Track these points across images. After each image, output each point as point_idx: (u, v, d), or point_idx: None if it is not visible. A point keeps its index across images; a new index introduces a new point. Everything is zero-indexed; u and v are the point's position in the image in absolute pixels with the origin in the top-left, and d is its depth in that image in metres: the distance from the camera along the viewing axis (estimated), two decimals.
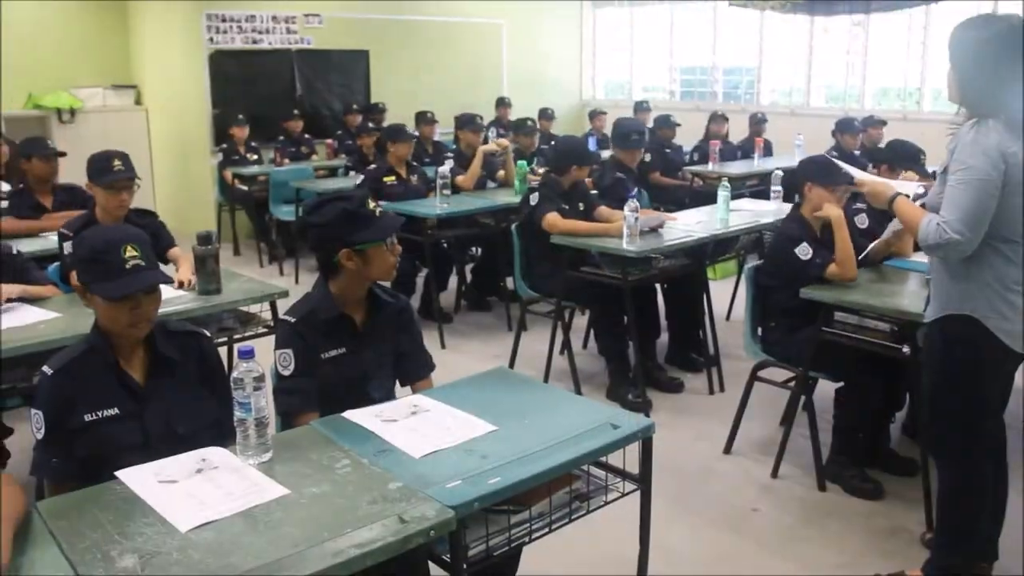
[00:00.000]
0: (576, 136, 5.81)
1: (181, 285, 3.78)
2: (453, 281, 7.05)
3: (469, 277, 7.20)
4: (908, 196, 3.16)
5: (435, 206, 6.01)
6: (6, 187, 5.55)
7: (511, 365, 5.29)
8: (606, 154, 9.19)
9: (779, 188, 5.88)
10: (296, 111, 9.57)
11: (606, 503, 2.35)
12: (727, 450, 4.33)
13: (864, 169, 4.33)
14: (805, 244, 3.89)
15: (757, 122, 9.35)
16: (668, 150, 8.83)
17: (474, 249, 7.37)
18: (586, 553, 3.34)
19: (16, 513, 1.84)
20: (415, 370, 2.85)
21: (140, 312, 2.27)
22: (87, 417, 2.24)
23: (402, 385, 2.85)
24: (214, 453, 2.16)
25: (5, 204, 5.11)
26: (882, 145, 8.04)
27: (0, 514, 1.79)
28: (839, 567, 3.34)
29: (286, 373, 2.57)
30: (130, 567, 1.68)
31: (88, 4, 9.84)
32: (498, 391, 2.64)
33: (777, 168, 6.39)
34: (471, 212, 6.25)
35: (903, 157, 4.72)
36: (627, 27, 12.79)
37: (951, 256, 2.78)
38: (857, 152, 7.74)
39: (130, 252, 2.26)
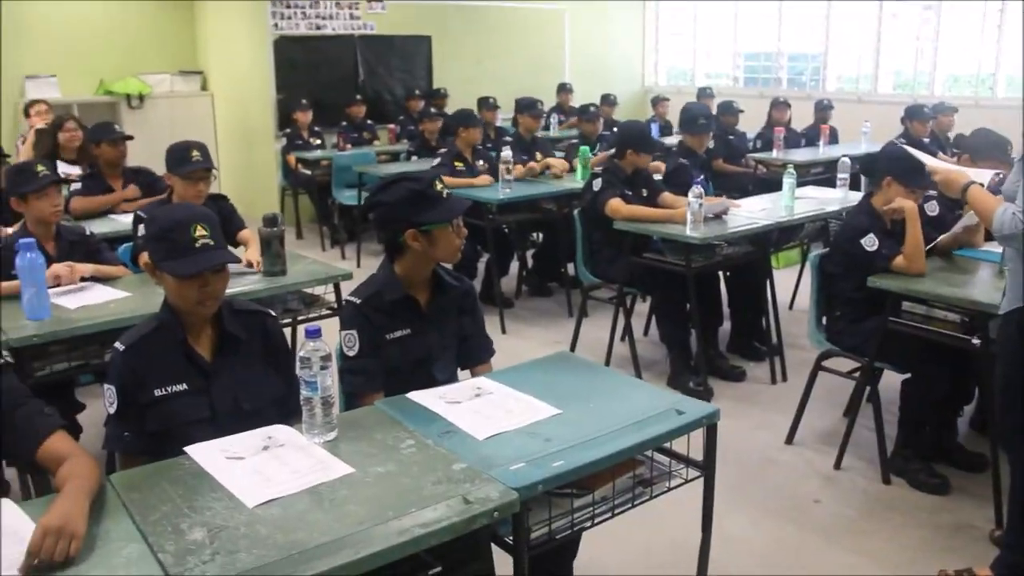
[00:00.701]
0: (638, 121, 5.73)
1: (250, 265, 3.84)
2: (514, 267, 7.06)
3: (530, 263, 7.20)
4: (982, 185, 3.08)
5: (497, 191, 6.00)
6: (78, 171, 5.66)
7: (571, 351, 5.28)
8: (670, 141, 9.14)
9: (846, 176, 5.77)
10: (359, 96, 9.64)
11: (669, 489, 2.33)
12: (789, 440, 4.27)
13: (934, 156, 4.23)
14: (872, 235, 3.81)
15: (822, 108, 9.18)
16: (731, 137, 8.71)
17: (535, 235, 7.36)
18: (645, 539, 3.33)
19: (92, 485, 1.88)
20: (476, 353, 2.86)
21: (208, 290, 2.30)
22: (157, 392, 2.28)
23: (462, 368, 2.86)
24: (280, 431, 2.19)
25: (78, 186, 5.23)
26: (951, 133, 7.88)
27: (79, 485, 1.84)
28: (902, 562, 3.28)
29: (351, 354, 2.59)
30: (199, 540, 1.70)
31: None
32: (561, 375, 2.63)
33: (843, 155, 6.28)
34: (533, 197, 6.23)
35: (988, 147, 4.51)
36: (690, 12, 12.66)
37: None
38: (926, 140, 7.57)
39: (199, 231, 2.29)
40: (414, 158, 8.22)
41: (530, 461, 2.01)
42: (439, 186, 2.63)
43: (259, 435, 2.16)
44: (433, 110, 9.01)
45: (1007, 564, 2.96)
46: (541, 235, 7.24)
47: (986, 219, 2.86)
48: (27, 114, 7.35)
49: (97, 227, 4.44)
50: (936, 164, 3.51)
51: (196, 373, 2.34)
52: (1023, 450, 2.93)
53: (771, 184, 5.93)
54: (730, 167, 8.45)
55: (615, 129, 7.49)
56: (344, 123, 9.26)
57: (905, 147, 4.23)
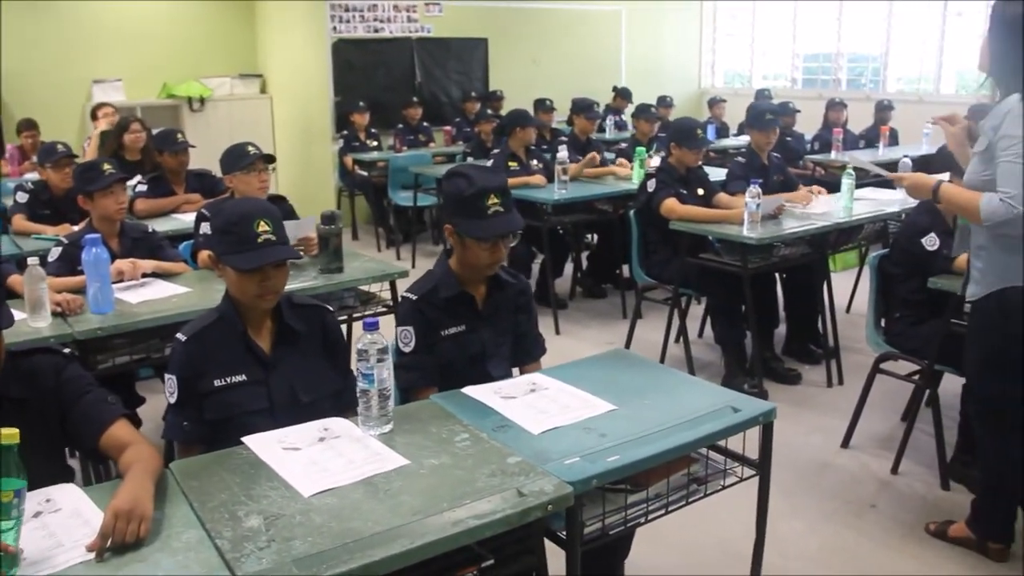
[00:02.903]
0: (686, 118, 5.70)
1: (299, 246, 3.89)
2: (568, 268, 7.06)
3: (585, 264, 7.20)
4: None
5: (553, 191, 6.00)
6: (138, 180, 5.77)
7: (627, 347, 5.27)
8: (727, 143, 9.07)
9: None
10: (415, 98, 9.71)
11: (723, 487, 2.31)
12: (845, 444, 4.21)
13: None
14: (933, 235, 3.74)
15: (882, 109, 9.03)
16: (789, 138, 8.61)
17: (590, 236, 7.35)
18: (698, 538, 3.31)
19: (156, 469, 1.93)
20: (528, 351, 2.86)
21: (268, 284, 2.34)
22: (216, 382, 2.32)
23: (512, 366, 2.86)
24: (336, 423, 2.22)
25: (143, 188, 5.34)
26: None
27: (144, 469, 1.89)
28: (960, 570, 3.22)
29: (407, 350, 2.61)
30: (255, 527, 1.73)
31: None
32: (617, 371, 2.62)
33: (904, 156, 6.18)
34: (588, 198, 6.22)
35: None
36: (748, 12, 12.55)
37: (1019, 230, 2.72)
38: None
39: (262, 227, 2.33)
40: (470, 159, 8.25)
41: (584, 456, 2.01)
42: (490, 201, 2.56)
43: (315, 427, 2.20)
44: (489, 112, 9.04)
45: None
46: (596, 236, 7.23)
47: (970, 212, 2.86)
48: (94, 117, 7.52)
49: (159, 225, 4.53)
50: (901, 173, 3.52)
51: (255, 364, 2.38)
52: (995, 425, 3.07)
53: (830, 186, 5.85)
54: (788, 169, 8.35)
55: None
56: (400, 125, 9.34)
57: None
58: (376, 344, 2.09)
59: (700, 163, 5.27)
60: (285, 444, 2.10)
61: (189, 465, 2.04)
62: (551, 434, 2.15)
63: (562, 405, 2.32)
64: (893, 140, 8.88)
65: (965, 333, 3.30)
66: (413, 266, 7.72)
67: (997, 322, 2.93)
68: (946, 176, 3.35)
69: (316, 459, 2.02)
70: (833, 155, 8.12)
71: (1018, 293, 2.83)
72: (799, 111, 8.71)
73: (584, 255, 7.25)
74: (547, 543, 2.08)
